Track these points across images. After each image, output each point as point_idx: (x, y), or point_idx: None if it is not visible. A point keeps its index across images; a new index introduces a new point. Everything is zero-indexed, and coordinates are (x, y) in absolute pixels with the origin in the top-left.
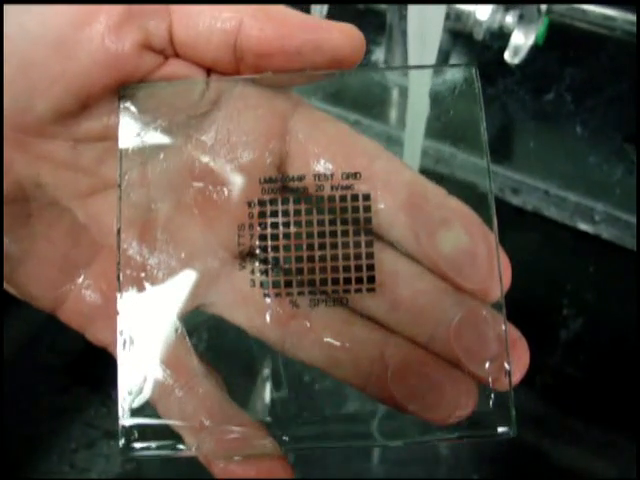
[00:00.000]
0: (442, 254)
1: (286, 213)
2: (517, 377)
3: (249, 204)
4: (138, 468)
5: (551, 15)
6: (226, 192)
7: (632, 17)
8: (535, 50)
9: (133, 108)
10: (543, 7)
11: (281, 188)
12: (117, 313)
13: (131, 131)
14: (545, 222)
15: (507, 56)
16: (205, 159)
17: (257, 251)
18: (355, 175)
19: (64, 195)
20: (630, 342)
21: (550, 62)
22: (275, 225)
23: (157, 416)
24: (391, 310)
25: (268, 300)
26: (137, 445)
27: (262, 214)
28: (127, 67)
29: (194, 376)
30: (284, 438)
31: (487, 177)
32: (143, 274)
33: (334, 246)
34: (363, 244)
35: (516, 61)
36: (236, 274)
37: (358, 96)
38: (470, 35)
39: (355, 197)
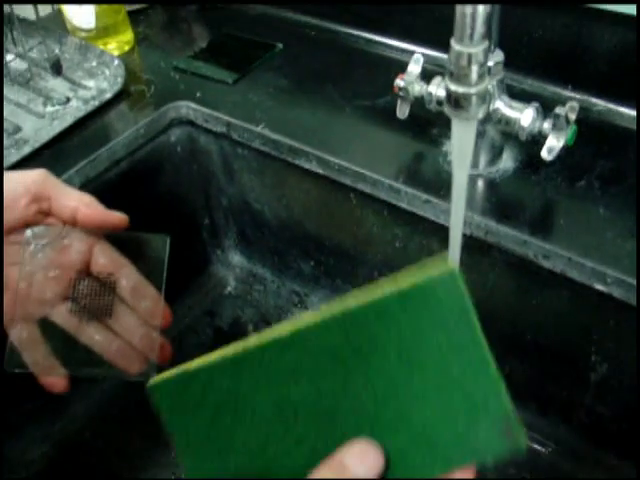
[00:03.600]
0: (141, 311)
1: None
2: (163, 359)
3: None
4: None
5: (589, 115)
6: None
7: None
8: (573, 143)
9: None
10: (572, 117)
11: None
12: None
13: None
14: (571, 282)
15: (544, 154)
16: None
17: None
18: (113, 274)
19: None
20: None
21: (586, 154)
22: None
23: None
24: (115, 324)
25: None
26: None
27: (75, 290)
28: (30, 219)
29: (40, 343)
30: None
31: None
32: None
33: (100, 299)
34: (110, 299)
35: (550, 158)
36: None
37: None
38: (517, 136)
39: (113, 284)
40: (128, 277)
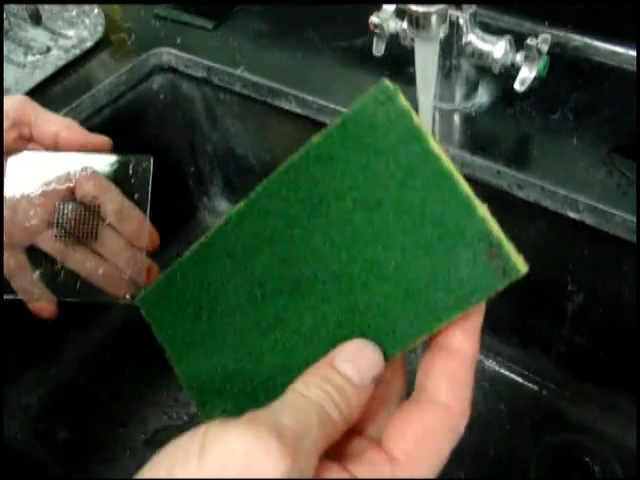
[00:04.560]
0: (127, 233)
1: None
2: (151, 281)
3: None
4: None
5: (565, 50)
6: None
7: (632, 53)
8: (549, 78)
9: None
10: (544, 48)
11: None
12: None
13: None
14: (545, 211)
15: (516, 85)
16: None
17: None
18: (98, 198)
19: None
20: (623, 312)
21: (561, 88)
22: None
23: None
24: (101, 248)
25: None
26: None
27: (59, 215)
28: (10, 145)
29: (27, 270)
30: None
31: None
32: None
33: (85, 224)
34: (95, 223)
35: (522, 89)
36: (46, 233)
37: None
38: (490, 69)
39: (97, 208)
40: (112, 200)
